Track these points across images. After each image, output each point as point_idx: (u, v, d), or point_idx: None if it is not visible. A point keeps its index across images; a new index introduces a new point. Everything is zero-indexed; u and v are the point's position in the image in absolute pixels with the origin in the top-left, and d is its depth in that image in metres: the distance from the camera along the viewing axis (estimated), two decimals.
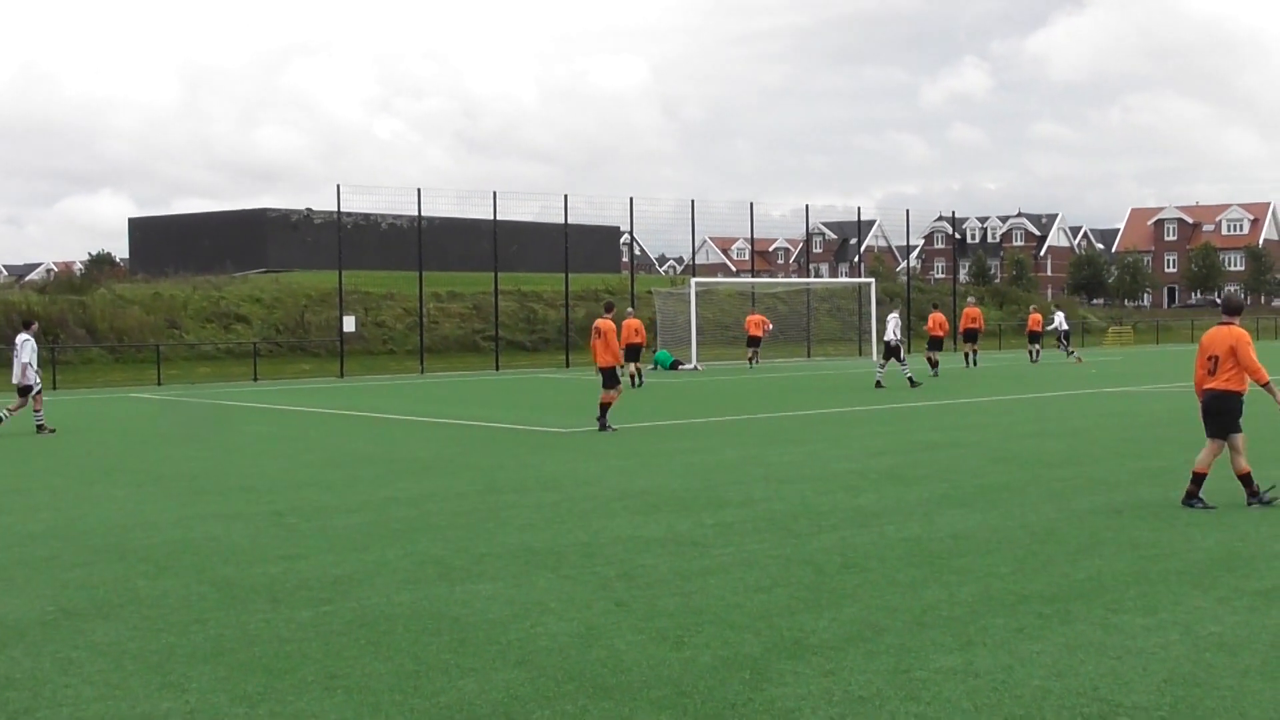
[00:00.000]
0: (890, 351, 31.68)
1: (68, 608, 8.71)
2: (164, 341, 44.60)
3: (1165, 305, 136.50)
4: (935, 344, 37.51)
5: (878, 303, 52.32)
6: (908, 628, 7.78)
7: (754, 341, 46.01)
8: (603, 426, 20.74)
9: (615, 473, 15.56)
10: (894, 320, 32.24)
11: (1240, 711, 6.16)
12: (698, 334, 46.11)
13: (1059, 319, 49.16)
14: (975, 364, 41.71)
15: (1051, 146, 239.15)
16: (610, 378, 21.27)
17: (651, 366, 44.61)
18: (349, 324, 45.56)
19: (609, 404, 21.06)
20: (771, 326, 49.07)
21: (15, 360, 22.40)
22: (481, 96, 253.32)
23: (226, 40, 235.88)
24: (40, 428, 22.09)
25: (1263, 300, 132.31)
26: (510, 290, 54.31)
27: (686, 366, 43.73)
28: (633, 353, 34.20)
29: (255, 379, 40.56)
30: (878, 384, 31.12)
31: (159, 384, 38.07)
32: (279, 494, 14.17)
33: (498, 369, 45.86)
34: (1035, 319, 47.73)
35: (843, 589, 8.87)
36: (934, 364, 36.42)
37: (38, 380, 22.46)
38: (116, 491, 14.80)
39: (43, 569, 10.11)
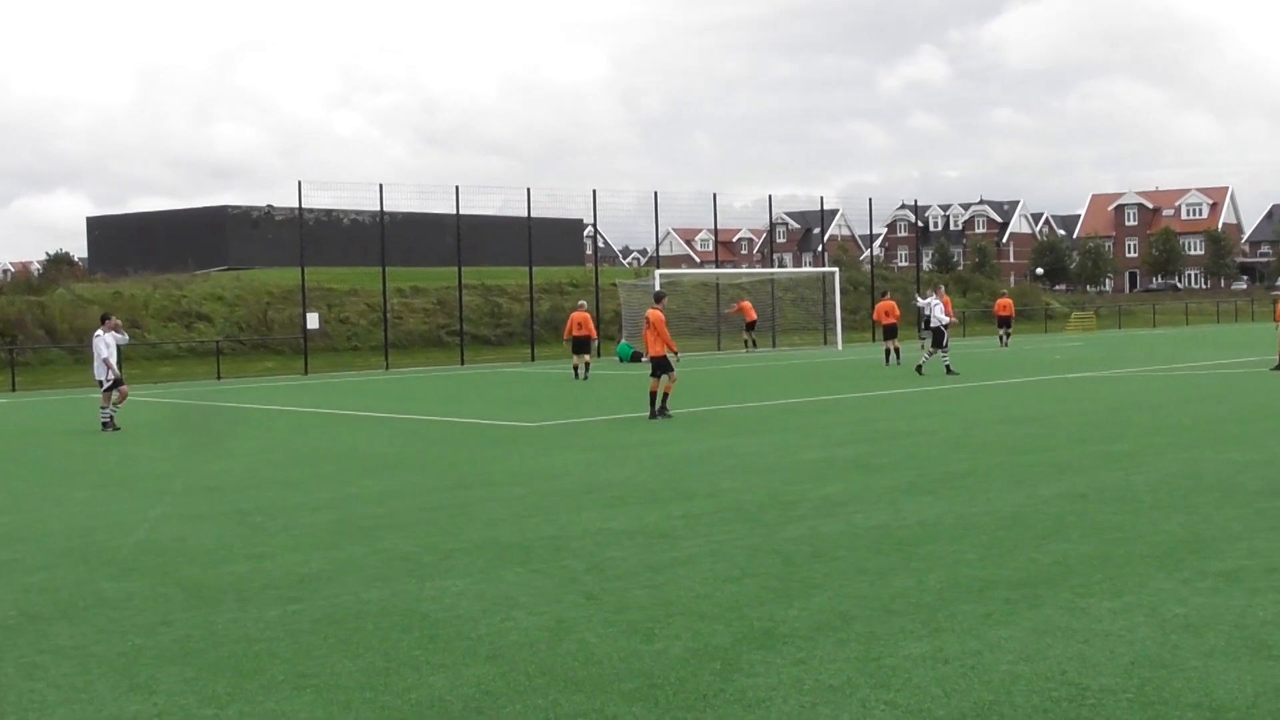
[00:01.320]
0: (937, 336, 31.50)
1: (31, 611, 8.65)
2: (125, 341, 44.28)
3: (1127, 290, 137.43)
4: (890, 332, 37.49)
5: (842, 292, 52.48)
6: (877, 615, 7.81)
7: (751, 326, 47.53)
8: (656, 414, 21.23)
9: (582, 466, 15.56)
10: (937, 304, 32.14)
11: (1205, 692, 6.21)
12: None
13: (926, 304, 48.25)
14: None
15: (1010, 133, 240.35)
16: (661, 366, 21.55)
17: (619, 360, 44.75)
18: (312, 321, 45.38)
19: (656, 392, 21.49)
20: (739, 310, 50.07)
21: (95, 357, 22.51)
22: (440, 91, 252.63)
23: (180, 37, 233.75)
24: (105, 425, 22.01)
25: (1222, 284, 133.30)
26: (474, 284, 54.18)
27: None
28: (580, 345, 34.47)
29: (219, 378, 40.34)
30: (948, 369, 30.76)
31: None
32: (244, 493, 14.11)
33: (463, 364, 45.76)
34: (1005, 304, 48.25)
35: (812, 578, 8.90)
36: (889, 354, 36.46)
37: (110, 378, 22.24)
38: (79, 493, 14.70)
39: (4, 572, 10.03)
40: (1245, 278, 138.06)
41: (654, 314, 22.23)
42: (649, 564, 9.55)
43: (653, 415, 21.23)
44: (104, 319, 23.22)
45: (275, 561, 10.10)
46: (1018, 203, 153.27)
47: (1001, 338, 46.88)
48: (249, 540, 11.11)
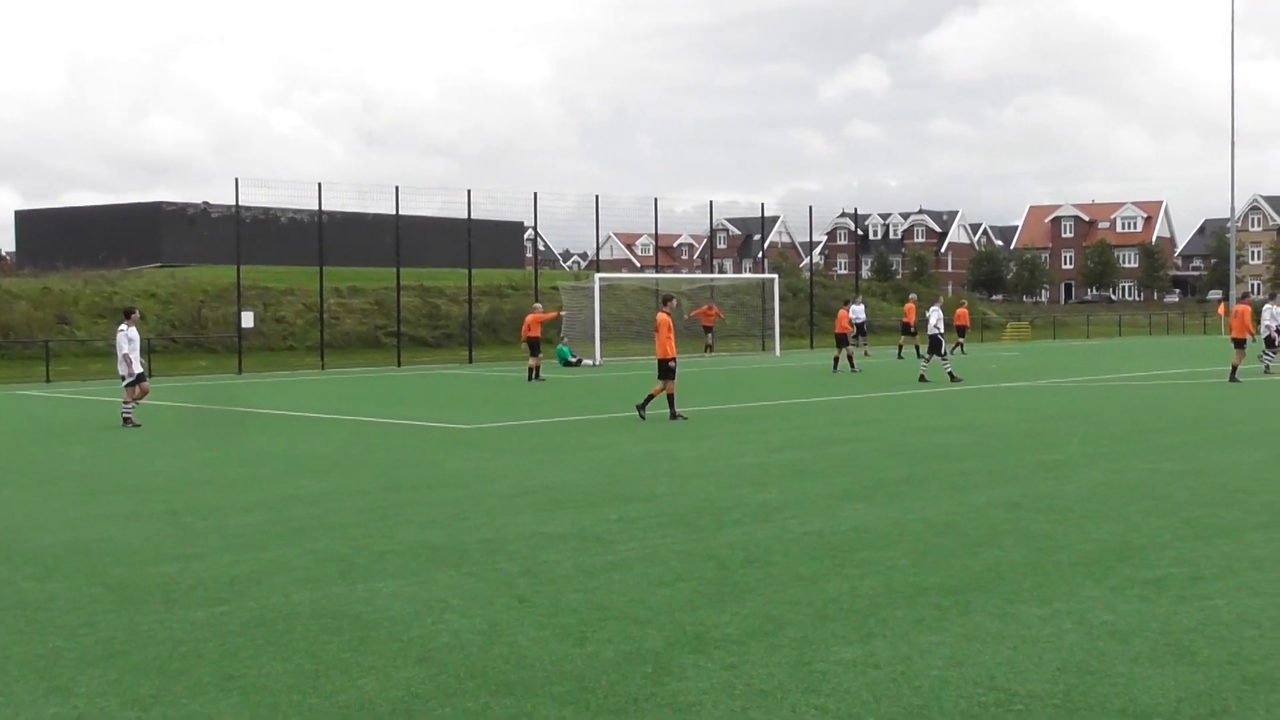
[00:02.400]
0: (934, 344, 31.54)
1: None
2: (53, 338, 43.66)
3: (1062, 301, 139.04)
4: (842, 340, 37.67)
5: (781, 298, 52.70)
6: (809, 620, 7.85)
7: (708, 329, 48.32)
8: (672, 415, 21.48)
9: (518, 469, 15.53)
10: (936, 313, 32.33)
11: (1130, 698, 6.29)
12: (602, 329, 46.16)
13: (858, 310, 48.20)
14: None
15: (950, 144, 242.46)
16: (661, 369, 21.84)
17: (591, 361, 44.72)
18: (247, 320, 44.96)
19: (668, 394, 21.78)
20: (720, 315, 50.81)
21: (116, 351, 22.46)
22: (381, 90, 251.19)
23: (116, 29, 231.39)
24: (126, 421, 21.98)
25: (1155, 297, 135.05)
26: (412, 286, 53.91)
27: (587, 362, 43.76)
28: (533, 346, 34.42)
29: (150, 375, 39.86)
30: (951, 377, 30.84)
31: (48, 381, 37.31)
32: (174, 493, 13.96)
33: (400, 365, 45.52)
34: (962, 313, 48.99)
35: (745, 583, 8.93)
36: (837, 362, 36.67)
37: (132, 372, 22.21)
38: (4, 492, 14.49)
39: None
40: (1177, 290, 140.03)
41: (659, 317, 22.51)
42: (583, 568, 9.54)
43: (671, 415, 21.51)
44: (127, 314, 23.03)
45: (204, 562, 10.00)
46: (956, 213, 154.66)
47: (960, 346, 47.51)
48: (178, 540, 11.00)
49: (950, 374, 30.86)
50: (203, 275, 54.21)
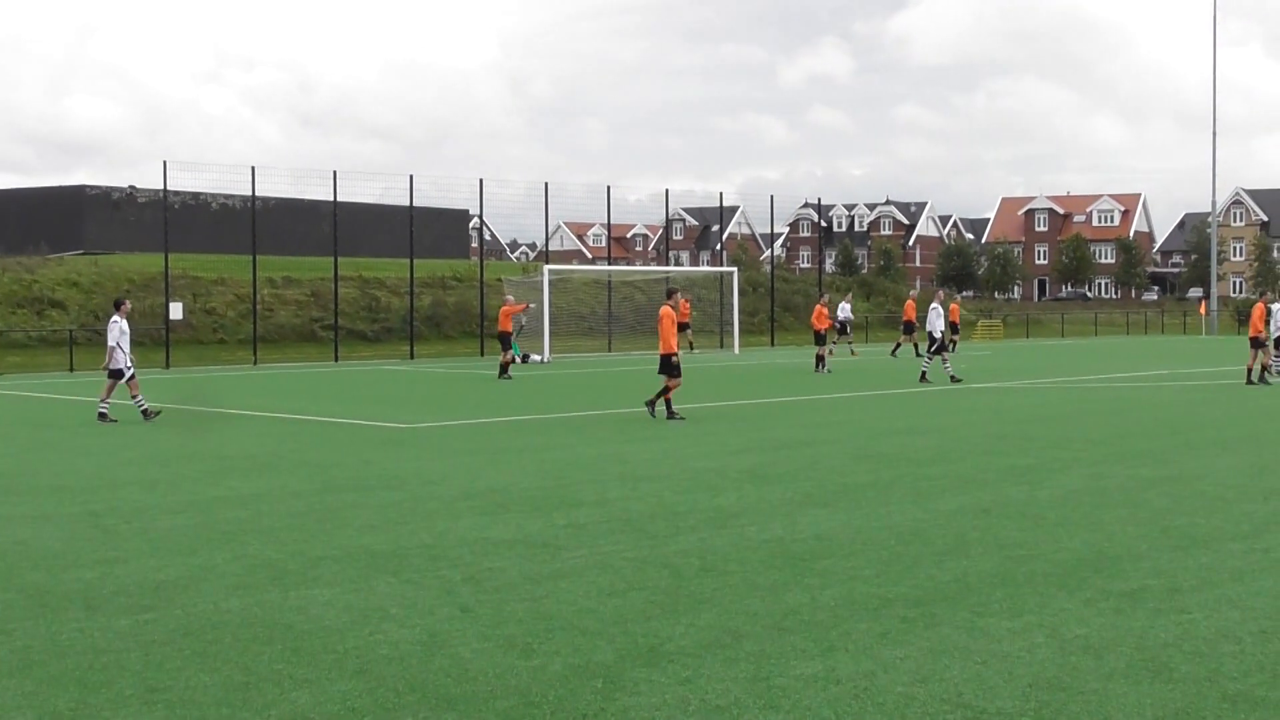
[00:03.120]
0: (936, 344, 31.63)
1: None
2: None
3: (1035, 298, 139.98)
4: (821, 338, 37.80)
5: (740, 293, 52.79)
6: (768, 633, 7.86)
7: (684, 326, 47.77)
8: (670, 415, 21.54)
9: (462, 471, 15.50)
10: (938, 310, 32.45)
11: (1104, 715, 6.34)
12: (551, 324, 46.13)
13: (844, 309, 49.35)
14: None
15: (917, 132, 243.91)
16: (663, 365, 22.04)
17: (538, 358, 44.63)
18: (175, 311, 44.67)
19: (667, 389, 21.91)
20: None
21: (106, 343, 22.68)
22: (317, 69, 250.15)
23: (34, 2, 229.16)
24: (145, 414, 22.15)
25: (1132, 294, 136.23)
26: (351, 276, 53.68)
27: (534, 358, 43.76)
28: (504, 340, 34.28)
29: (71, 369, 39.60)
30: (953, 379, 30.87)
31: None
32: (96, 494, 13.85)
33: (337, 360, 45.36)
34: (953, 309, 49.34)
35: (701, 593, 8.94)
36: (821, 361, 36.81)
37: (130, 364, 22.44)
38: None
39: None
40: (1156, 288, 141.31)
41: (663, 310, 22.62)
42: (529, 575, 9.53)
43: (669, 415, 21.61)
44: (118, 304, 23.20)
45: (128, 567, 9.93)
46: (925, 204, 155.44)
47: (954, 343, 47.92)
48: (99, 544, 10.91)
49: (952, 375, 31.00)
50: (128, 263, 53.81)
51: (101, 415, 22.11)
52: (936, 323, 31.71)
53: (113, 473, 15.71)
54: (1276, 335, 33.35)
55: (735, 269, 58.45)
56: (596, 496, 13.34)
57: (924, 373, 31.15)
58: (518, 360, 43.31)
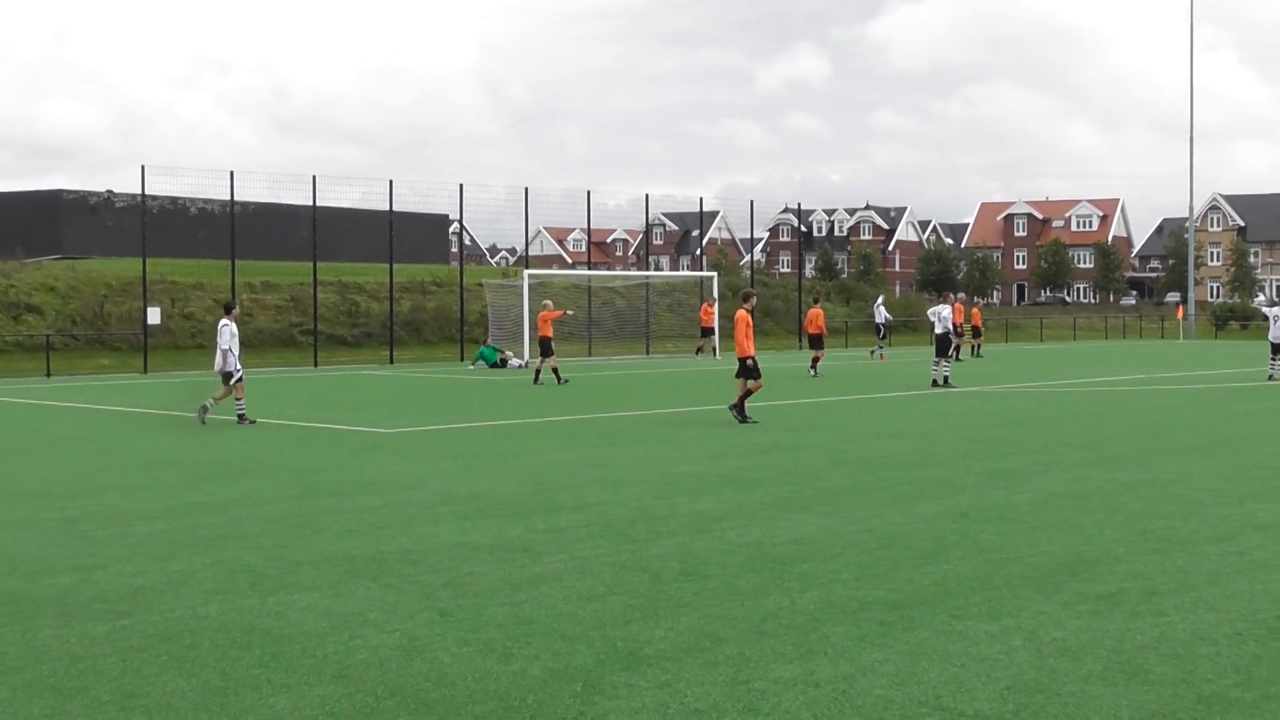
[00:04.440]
0: (942, 346, 31.64)
1: None
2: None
3: (1015, 303, 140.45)
4: (816, 342, 37.82)
5: (720, 298, 52.81)
6: (747, 637, 7.88)
7: (707, 332, 47.60)
8: (742, 418, 21.59)
9: (442, 476, 15.48)
10: (946, 309, 32.56)
11: (1081, 717, 6.36)
12: (531, 329, 46.07)
13: (880, 311, 50.11)
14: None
15: (894, 137, 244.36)
16: (741, 367, 22.06)
17: (471, 364, 44.61)
18: (154, 316, 44.51)
19: (742, 394, 21.94)
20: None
21: (216, 346, 22.98)
22: (294, 74, 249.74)
23: (6, 6, 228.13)
24: (241, 418, 22.35)
25: (1111, 299, 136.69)
26: (330, 281, 53.56)
27: (514, 362, 43.74)
28: (544, 346, 33.86)
29: (48, 374, 39.43)
30: (945, 381, 30.90)
31: None
32: (73, 499, 13.80)
33: (316, 365, 45.27)
34: (974, 313, 49.62)
35: (680, 597, 8.95)
36: (816, 364, 36.95)
37: (239, 367, 22.81)
38: None
39: None
40: (1134, 293, 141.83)
41: (739, 314, 22.73)
42: (509, 580, 9.53)
43: (741, 419, 21.65)
44: (228, 309, 23.59)
45: (105, 573, 9.90)
46: (905, 209, 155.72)
47: (974, 348, 48.24)
48: (76, 550, 10.88)
49: (945, 378, 31.08)
50: (106, 268, 53.56)
51: (240, 417, 22.51)
52: (946, 324, 31.89)
53: (91, 478, 15.66)
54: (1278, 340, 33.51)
55: (715, 274, 58.48)
56: (576, 501, 13.34)
57: (945, 378, 31.15)
58: (497, 363, 43.32)
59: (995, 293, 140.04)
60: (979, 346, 49.72)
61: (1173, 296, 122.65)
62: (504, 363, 43.73)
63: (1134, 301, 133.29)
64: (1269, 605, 8.65)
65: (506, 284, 53.05)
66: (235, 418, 22.48)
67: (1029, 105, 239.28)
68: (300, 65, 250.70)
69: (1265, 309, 37.31)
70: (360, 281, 56.19)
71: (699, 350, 49.05)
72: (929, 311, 33.03)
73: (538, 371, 33.91)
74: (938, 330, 32.01)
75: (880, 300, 53.15)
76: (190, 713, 6.52)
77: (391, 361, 47.04)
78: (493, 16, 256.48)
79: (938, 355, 31.49)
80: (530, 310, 46.28)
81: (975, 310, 50.74)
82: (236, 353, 22.86)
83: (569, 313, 42.67)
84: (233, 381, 22.74)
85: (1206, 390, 30.19)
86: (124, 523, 12.24)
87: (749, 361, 22.05)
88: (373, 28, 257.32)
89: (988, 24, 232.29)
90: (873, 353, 48.30)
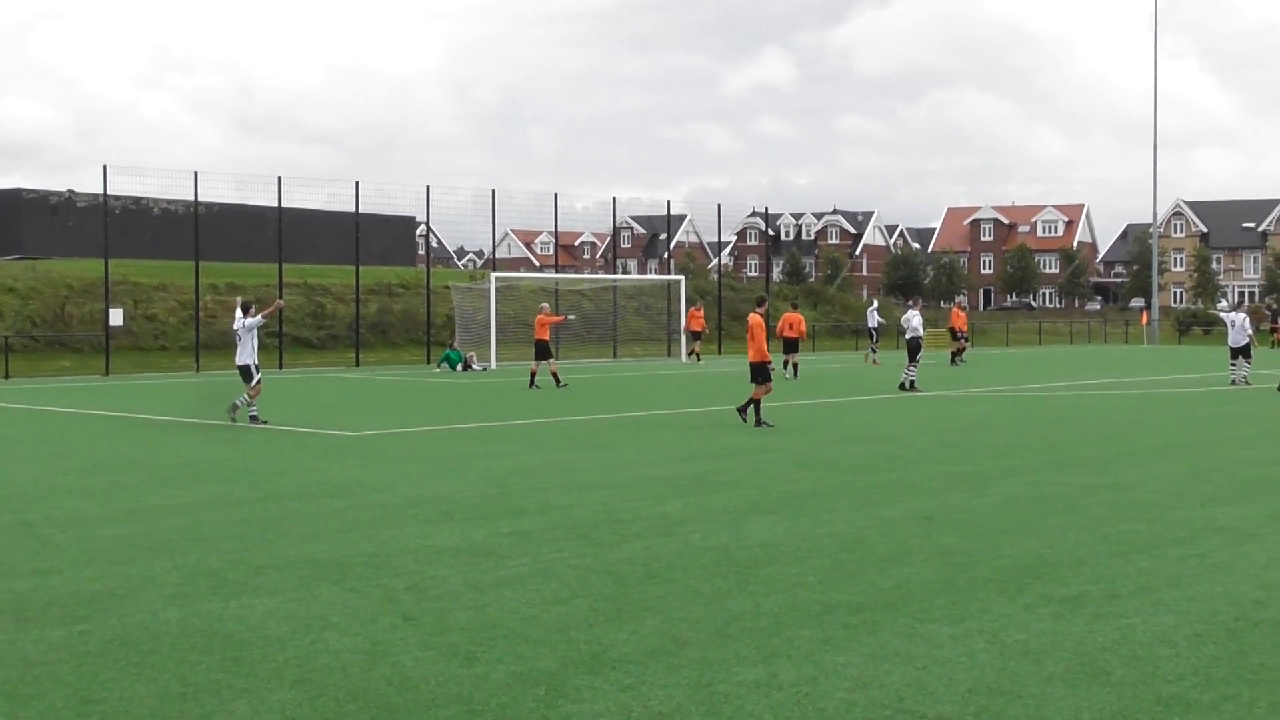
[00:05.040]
0: (913, 350, 31.83)
1: None
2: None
3: (981, 307, 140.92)
4: (790, 346, 37.95)
5: (688, 301, 52.88)
6: (711, 640, 7.89)
7: (696, 336, 47.39)
8: (758, 422, 21.57)
9: (406, 479, 15.45)
10: (916, 317, 32.69)
11: (1043, 719, 6.40)
12: (498, 332, 46.07)
13: (874, 315, 50.61)
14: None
15: (861, 142, 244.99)
16: (756, 372, 22.10)
17: (437, 367, 44.53)
18: (116, 317, 44.30)
19: (755, 399, 21.94)
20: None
21: (241, 346, 23.56)
22: (259, 74, 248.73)
23: None
24: (254, 419, 22.80)
25: (1076, 304, 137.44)
26: (296, 283, 53.32)
27: (477, 366, 43.68)
28: (540, 350, 33.63)
29: (7, 376, 39.17)
30: (912, 385, 30.93)
31: None
32: (31, 503, 13.71)
33: (281, 367, 45.10)
34: (962, 317, 49.97)
35: (644, 600, 8.96)
36: (793, 366, 37.10)
37: (256, 365, 23.38)
38: None
39: None
40: (1099, 298, 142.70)
41: (753, 318, 22.77)
42: (473, 583, 9.52)
43: (757, 423, 21.60)
44: (246, 308, 23.89)
45: (63, 577, 9.83)
46: (872, 214, 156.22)
47: (955, 354, 48.45)
48: (34, 554, 10.80)
49: (912, 383, 31.19)
50: (67, 269, 53.19)
51: (253, 417, 22.84)
52: (918, 329, 32.09)
53: (48, 481, 15.56)
54: (1243, 344, 33.68)
55: (683, 277, 58.57)
56: (540, 504, 13.33)
57: (912, 381, 31.23)
58: (460, 368, 43.24)
59: (962, 296, 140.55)
60: (954, 351, 49.66)
61: (1137, 302, 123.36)
62: (469, 366, 43.66)
63: (1099, 307, 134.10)
64: (1229, 608, 8.72)
65: (473, 287, 52.99)
66: (248, 419, 22.86)
67: (995, 110, 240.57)
68: (264, 65, 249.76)
69: (1224, 315, 37.52)
70: (326, 284, 56.00)
71: (696, 355, 48.46)
72: (902, 320, 33.19)
73: (533, 374, 33.40)
74: (908, 336, 32.22)
75: (875, 305, 53.31)
76: (148, 718, 6.49)
77: (358, 364, 46.92)
78: (459, 18, 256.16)
79: (912, 359, 31.68)
80: (498, 314, 46.28)
81: (962, 314, 51.13)
82: (254, 350, 23.42)
83: (570, 317, 42.42)
84: (254, 380, 23.09)
85: (1169, 395, 30.39)
86: (84, 526, 12.17)
87: (767, 366, 22.11)
88: (339, 28, 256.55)
89: (954, 29, 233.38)
90: (867, 356, 48.67)
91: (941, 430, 21.65)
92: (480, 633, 8.08)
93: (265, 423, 22.68)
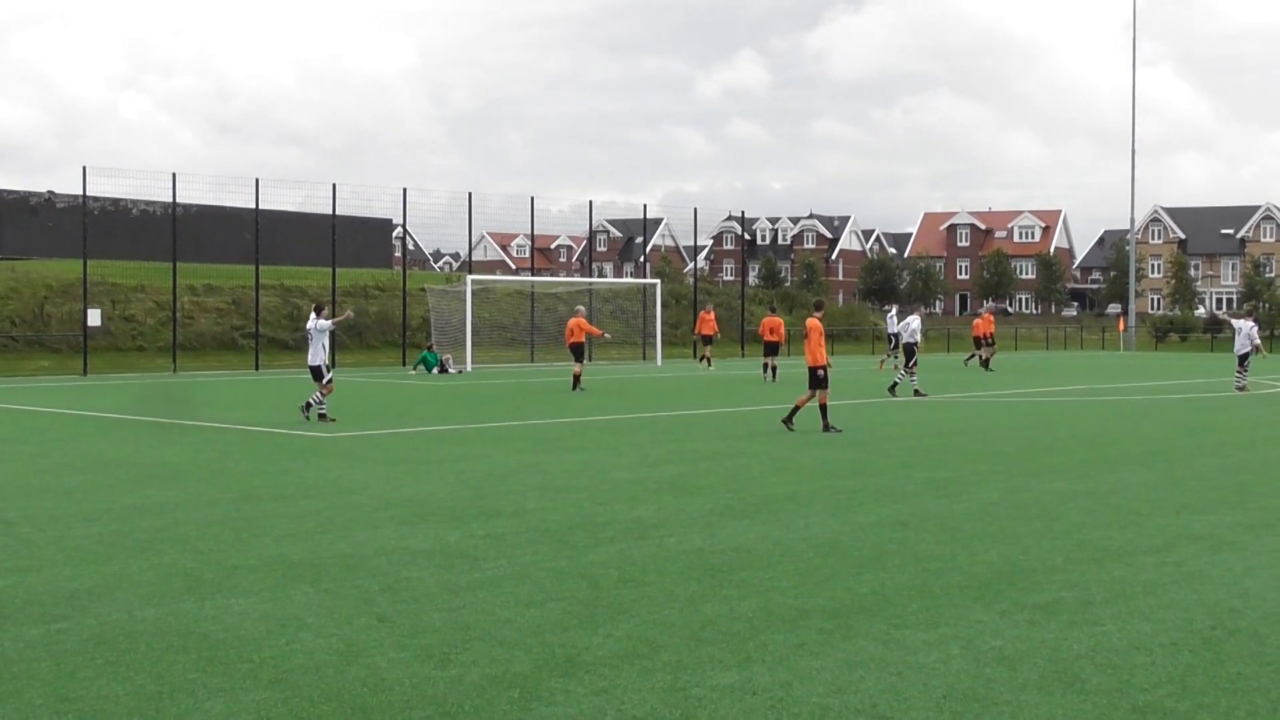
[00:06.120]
0: (910, 353, 31.90)
1: None
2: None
3: (957, 313, 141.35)
4: (771, 349, 38.12)
5: (664, 305, 52.89)
6: (685, 644, 7.89)
7: (708, 340, 46.25)
8: (825, 427, 21.70)
9: (381, 481, 15.42)
10: (916, 320, 32.79)
11: None
12: (474, 334, 46.01)
13: (893, 322, 50.29)
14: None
15: (836, 146, 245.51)
16: (812, 378, 22.08)
17: (413, 369, 44.42)
18: (94, 318, 44.09)
19: (821, 404, 22.06)
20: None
21: (312, 345, 24.28)
22: (235, 76, 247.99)
23: None
24: (323, 416, 23.35)
25: (1052, 310, 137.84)
26: (272, 284, 53.22)
27: (453, 369, 43.63)
28: (577, 352, 33.75)
29: None
30: (916, 392, 30.91)
31: None
32: (9, 502, 13.66)
33: (258, 369, 44.97)
34: (985, 321, 49.93)
35: (619, 604, 8.96)
36: (766, 368, 37.34)
37: (328, 365, 24.01)
38: None
39: None
40: (1076, 304, 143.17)
41: (810, 322, 22.85)
42: (447, 585, 9.51)
43: (825, 428, 21.69)
44: (319, 310, 24.44)
45: (40, 576, 9.80)
46: (848, 218, 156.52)
47: (984, 359, 48.38)
48: (12, 553, 10.76)
49: (899, 385, 31.29)
50: (46, 269, 52.96)
51: (321, 415, 23.37)
52: (916, 336, 32.13)
53: (26, 480, 15.49)
54: (1246, 351, 33.76)
55: (659, 281, 58.56)
56: (515, 507, 13.32)
57: (909, 386, 31.26)
58: (436, 371, 43.16)
59: (938, 302, 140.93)
60: (986, 358, 49.12)
61: (1114, 308, 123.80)
62: (445, 368, 43.59)
63: (1075, 313, 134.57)
64: (1204, 615, 8.75)
65: (449, 289, 52.90)
66: (318, 416, 23.37)
67: (971, 115, 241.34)
68: (241, 67, 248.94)
69: (1233, 321, 37.70)
70: (303, 285, 55.87)
71: (708, 360, 46.12)
72: (900, 324, 33.29)
73: (576, 377, 33.39)
74: (905, 339, 32.30)
75: (893, 311, 53.13)
76: (124, 717, 6.47)
77: (334, 366, 46.75)
78: (435, 21, 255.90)
79: (907, 364, 31.77)
80: (474, 316, 46.20)
81: (979, 321, 51.21)
82: (326, 349, 24.13)
83: (607, 336, 41.99)
84: (325, 379, 23.61)
85: (1146, 401, 30.50)
86: (60, 525, 12.12)
87: (820, 371, 22.09)
88: (315, 31, 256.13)
89: (928, 33, 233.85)
90: (881, 363, 48.87)
91: (918, 436, 21.69)
92: (455, 635, 8.07)
93: (334, 420, 23.14)
